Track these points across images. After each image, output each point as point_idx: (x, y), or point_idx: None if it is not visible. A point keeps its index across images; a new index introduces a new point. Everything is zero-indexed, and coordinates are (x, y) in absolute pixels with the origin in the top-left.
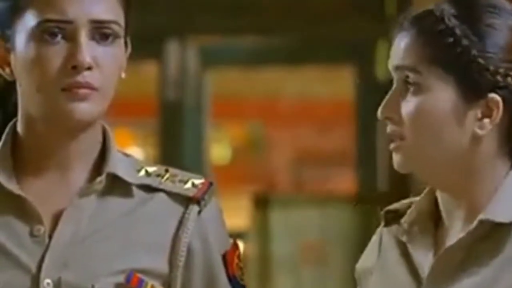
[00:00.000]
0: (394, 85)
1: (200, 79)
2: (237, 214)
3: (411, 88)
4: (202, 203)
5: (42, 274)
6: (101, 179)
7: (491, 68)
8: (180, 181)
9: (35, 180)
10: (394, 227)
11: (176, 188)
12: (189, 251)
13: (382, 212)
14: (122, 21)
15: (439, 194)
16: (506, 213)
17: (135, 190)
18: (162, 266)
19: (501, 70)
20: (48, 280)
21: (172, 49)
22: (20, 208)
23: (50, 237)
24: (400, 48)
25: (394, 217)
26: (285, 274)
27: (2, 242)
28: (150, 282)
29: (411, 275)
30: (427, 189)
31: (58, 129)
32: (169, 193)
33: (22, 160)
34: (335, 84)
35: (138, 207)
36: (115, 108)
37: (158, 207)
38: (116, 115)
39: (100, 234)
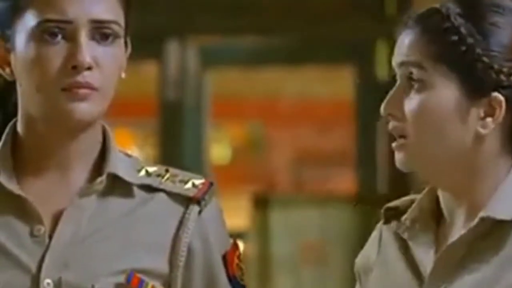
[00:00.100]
0: (398, 82)
1: (200, 79)
2: (237, 214)
3: (415, 85)
4: (203, 203)
5: (42, 274)
6: (102, 179)
7: (495, 66)
8: (181, 181)
9: (35, 180)
10: (394, 224)
11: (176, 188)
12: (190, 251)
13: (382, 210)
14: (122, 21)
15: (440, 193)
16: (507, 211)
17: (135, 190)
18: (162, 266)
19: (505, 69)
20: (48, 280)
21: (172, 49)
22: (20, 208)
23: (50, 237)
24: (404, 45)
25: (394, 215)
26: (285, 274)
27: (2, 242)
28: (150, 282)
29: (412, 272)
30: (428, 187)
31: (58, 129)
32: (170, 193)
33: (22, 160)
34: (335, 84)
35: (139, 207)
36: (115, 108)
37: (159, 207)
38: (116, 115)
39: (100, 234)
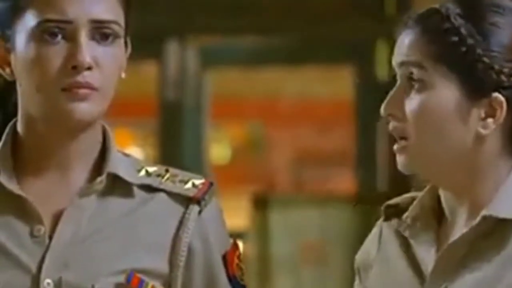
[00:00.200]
0: (398, 82)
1: (200, 79)
2: (237, 214)
3: (415, 85)
4: (203, 203)
5: (43, 274)
6: (102, 179)
7: (496, 67)
8: (181, 181)
9: (35, 180)
10: (394, 222)
11: (176, 188)
12: (190, 251)
13: (382, 207)
14: (122, 21)
15: (441, 192)
16: (510, 210)
17: (135, 190)
18: (162, 266)
19: (506, 70)
20: (48, 280)
21: (172, 49)
22: (21, 208)
23: (51, 237)
24: (404, 45)
25: (394, 212)
26: (285, 274)
27: (2, 242)
28: (150, 282)
29: (413, 270)
30: (429, 185)
31: (58, 129)
32: (170, 193)
33: (22, 160)
34: (335, 84)
35: (139, 207)
36: (115, 108)
37: (159, 207)
38: (116, 115)
39: (100, 234)
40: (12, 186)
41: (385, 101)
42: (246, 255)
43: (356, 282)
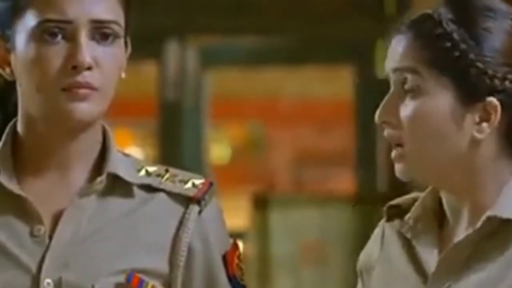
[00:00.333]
0: (392, 89)
1: (200, 79)
2: (237, 214)
3: (410, 91)
4: (203, 203)
5: (43, 274)
6: (102, 179)
7: (489, 72)
8: (181, 181)
9: (35, 180)
10: (396, 223)
11: (176, 188)
12: (190, 251)
13: (384, 208)
14: (122, 21)
15: (443, 194)
16: None
17: (135, 190)
18: (162, 266)
19: (499, 74)
20: (48, 280)
21: (172, 49)
22: (21, 208)
23: (51, 237)
24: (397, 51)
25: (396, 213)
26: (285, 274)
27: (2, 242)
28: (150, 282)
29: (415, 270)
30: (430, 186)
31: (58, 129)
32: (170, 193)
33: (22, 160)
34: (335, 84)
35: (139, 207)
36: (115, 108)
37: (159, 207)
38: (116, 115)
39: (100, 234)
40: (12, 186)
41: (379, 108)
42: (246, 255)
43: (359, 286)
